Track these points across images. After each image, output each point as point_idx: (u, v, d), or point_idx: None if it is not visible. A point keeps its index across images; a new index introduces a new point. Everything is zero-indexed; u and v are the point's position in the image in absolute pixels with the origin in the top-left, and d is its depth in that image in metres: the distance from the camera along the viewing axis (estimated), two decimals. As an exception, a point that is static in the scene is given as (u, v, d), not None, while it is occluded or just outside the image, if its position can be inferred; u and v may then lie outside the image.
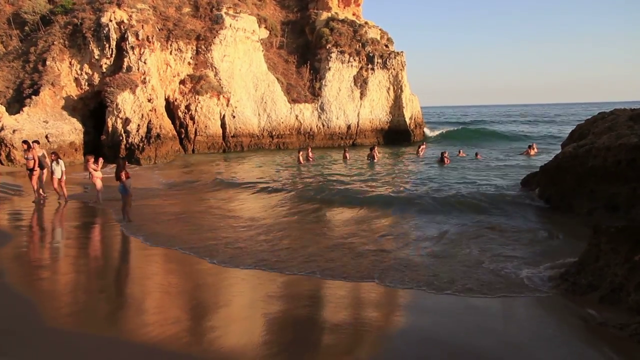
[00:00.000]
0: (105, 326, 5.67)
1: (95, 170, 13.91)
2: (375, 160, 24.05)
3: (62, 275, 7.78)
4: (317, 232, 10.48)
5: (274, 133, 32.22)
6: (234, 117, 30.52)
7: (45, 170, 14.59)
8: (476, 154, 25.81)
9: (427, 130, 39.54)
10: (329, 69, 34.16)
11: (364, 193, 14.72)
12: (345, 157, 25.26)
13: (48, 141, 23.19)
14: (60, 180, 14.20)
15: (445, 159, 22.75)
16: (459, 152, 27.09)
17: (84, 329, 5.50)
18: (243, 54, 31.37)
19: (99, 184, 13.94)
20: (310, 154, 25.09)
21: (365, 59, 35.38)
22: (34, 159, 14.20)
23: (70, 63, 25.84)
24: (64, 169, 14.40)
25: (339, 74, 34.53)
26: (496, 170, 20.21)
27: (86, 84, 26.07)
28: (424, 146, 27.86)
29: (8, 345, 5.02)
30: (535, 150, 27.07)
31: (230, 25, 30.34)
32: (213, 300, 6.67)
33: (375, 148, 25.21)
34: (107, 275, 7.94)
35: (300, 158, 24.16)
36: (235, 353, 4.93)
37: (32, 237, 10.48)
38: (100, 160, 14.64)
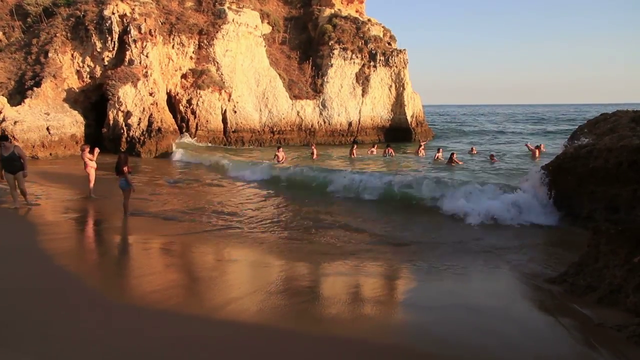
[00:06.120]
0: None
1: (90, 160, 13.74)
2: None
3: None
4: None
5: (275, 129, 32.20)
6: (235, 112, 30.51)
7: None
8: (491, 156, 23.48)
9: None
10: (331, 65, 34.10)
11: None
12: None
13: (49, 133, 23.24)
14: None
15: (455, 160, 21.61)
16: (472, 149, 27.40)
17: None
18: (245, 49, 31.31)
19: (92, 174, 13.67)
20: (314, 152, 23.74)
21: (368, 56, 35.31)
22: None
23: (72, 55, 25.80)
24: None
25: (341, 70, 34.47)
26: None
27: (88, 76, 26.05)
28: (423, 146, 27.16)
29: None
30: (543, 150, 23.93)
31: (233, 20, 30.28)
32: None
33: (376, 145, 25.74)
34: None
35: (280, 156, 20.55)
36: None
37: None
38: (96, 150, 14.27)
